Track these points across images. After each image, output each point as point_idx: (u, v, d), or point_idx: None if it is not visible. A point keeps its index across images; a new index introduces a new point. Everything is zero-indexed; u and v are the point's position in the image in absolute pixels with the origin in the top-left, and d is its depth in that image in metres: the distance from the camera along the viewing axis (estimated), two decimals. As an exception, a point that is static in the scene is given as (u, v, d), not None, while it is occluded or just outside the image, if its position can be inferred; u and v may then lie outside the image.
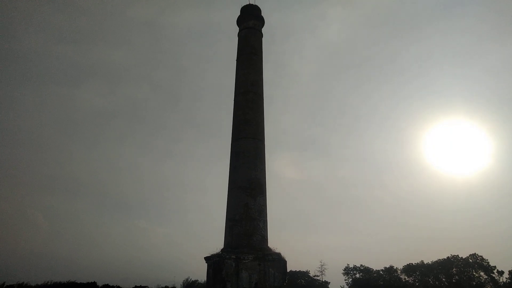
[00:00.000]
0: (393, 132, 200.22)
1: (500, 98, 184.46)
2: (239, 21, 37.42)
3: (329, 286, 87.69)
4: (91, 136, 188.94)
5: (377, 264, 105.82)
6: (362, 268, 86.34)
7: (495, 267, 73.52)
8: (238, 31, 37.48)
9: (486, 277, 73.85)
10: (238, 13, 37.93)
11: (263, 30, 37.68)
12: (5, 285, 64.75)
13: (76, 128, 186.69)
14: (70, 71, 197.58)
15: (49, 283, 68.08)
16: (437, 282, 78.03)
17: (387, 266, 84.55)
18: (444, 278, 77.27)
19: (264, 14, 37.91)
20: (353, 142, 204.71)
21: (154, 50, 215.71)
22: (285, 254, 27.33)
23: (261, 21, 37.54)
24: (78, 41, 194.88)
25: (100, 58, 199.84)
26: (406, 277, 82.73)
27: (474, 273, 74.95)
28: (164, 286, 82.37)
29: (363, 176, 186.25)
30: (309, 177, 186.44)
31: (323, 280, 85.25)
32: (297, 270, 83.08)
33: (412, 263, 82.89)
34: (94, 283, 70.46)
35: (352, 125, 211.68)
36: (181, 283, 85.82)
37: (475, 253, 75.89)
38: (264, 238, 27.58)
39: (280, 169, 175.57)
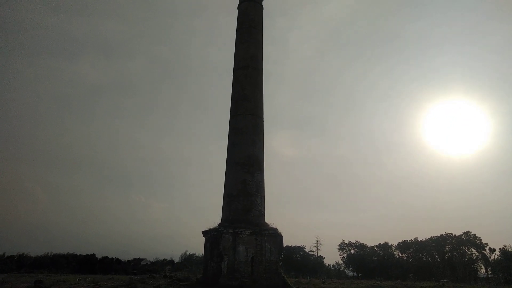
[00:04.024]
0: (391, 111, 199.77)
1: (501, 78, 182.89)
2: (239, -7, 36.34)
3: (324, 261, 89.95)
4: (88, 109, 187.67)
5: (372, 240, 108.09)
6: (357, 244, 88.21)
7: (487, 244, 75.31)
8: (237, 4, 36.46)
9: (478, 254, 75.66)
10: (238, -15, 36.73)
11: (264, 3, 36.67)
12: (5, 256, 65.98)
13: (73, 102, 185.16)
14: (66, 43, 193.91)
15: (48, 255, 69.42)
16: (429, 259, 79.93)
17: (382, 243, 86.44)
18: (437, 254, 79.10)
19: (264, -14, 36.74)
20: (351, 120, 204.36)
21: (152, 23, 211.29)
22: (282, 230, 27.73)
23: (262, -6, 36.47)
24: (74, 12, 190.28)
25: (97, 31, 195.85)
26: (400, 253, 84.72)
27: (466, 250, 76.70)
28: (162, 259, 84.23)
29: (361, 154, 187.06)
30: (306, 155, 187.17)
31: (318, 255, 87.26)
32: (293, 245, 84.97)
33: (406, 240, 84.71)
34: (93, 255, 71.92)
35: (350, 103, 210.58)
36: (179, 256, 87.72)
37: (468, 231, 77.57)
38: (261, 214, 27.84)
39: (279, 146, 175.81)
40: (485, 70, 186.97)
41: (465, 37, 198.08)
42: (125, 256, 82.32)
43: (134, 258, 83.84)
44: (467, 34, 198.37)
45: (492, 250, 74.95)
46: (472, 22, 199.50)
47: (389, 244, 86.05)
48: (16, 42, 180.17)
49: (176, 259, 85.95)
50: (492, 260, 74.41)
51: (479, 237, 76.56)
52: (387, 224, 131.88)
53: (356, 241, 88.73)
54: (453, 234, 78.61)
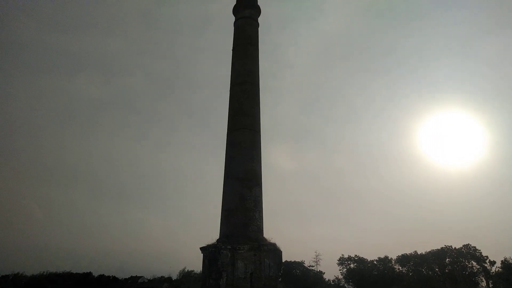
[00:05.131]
0: (388, 123, 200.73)
1: (497, 90, 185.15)
2: (235, 11, 37.02)
3: (324, 276, 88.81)
4: (86, 126, 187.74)
5: (371, 254, 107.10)
6: (356, 258, 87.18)
7: (487, 257, 74.62)
8: (234, 21, 37.07)
9: (479, 267, 74.99)
10: (234, 3, 37.47)
11: (259, 19, 37.31)
12: (0, 275, 64.85)
13: (71, 119, 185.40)
14: (65, 61, 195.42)
15: (44, 274, 68.44)
16: (430, 272, 79.07)
17: (382, 257, 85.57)
18: (437, 268, 78.31)
19: (260, 3, 37.50)
20: (348, 133, 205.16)
21: (150, 40, 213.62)
22: (281, 245, 27.54)
23: (258, 11, 37.16)
24: (72, 30, 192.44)
25: (95, 48, 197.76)
26: (400, 267, 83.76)
27: (466, 263, 76.07)
28: (160, 276, 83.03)
29: (358, 167, 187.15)
30: (304, 168, 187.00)
31: (318, 270, 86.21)
32: (292, 260, 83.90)
33: (406, 254, 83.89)
34: (90, 273, 70.95)
35: (347, 116, 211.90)
36: (177, 273, 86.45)
37: (468, 244, 76.95)
38: (260, 229, 27.68)
39: (276, 160, 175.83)
40: (481, 82, 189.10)
41: (460, 49, 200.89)
42: (122, 274, 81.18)
43: (132, 276, 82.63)
44: (463, 46, 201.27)
45: (493, 263, 74.36)
46: (467, 35, 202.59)
47: (389, 258, 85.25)
48: (15, 60, 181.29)
49: (174, 276, 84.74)
50: (493, 272, 73.73)
51: (479, 250, 76.02)
52: (386, 237, 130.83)
53: (356, 255, 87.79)
54: (453, 247, 78.08)
